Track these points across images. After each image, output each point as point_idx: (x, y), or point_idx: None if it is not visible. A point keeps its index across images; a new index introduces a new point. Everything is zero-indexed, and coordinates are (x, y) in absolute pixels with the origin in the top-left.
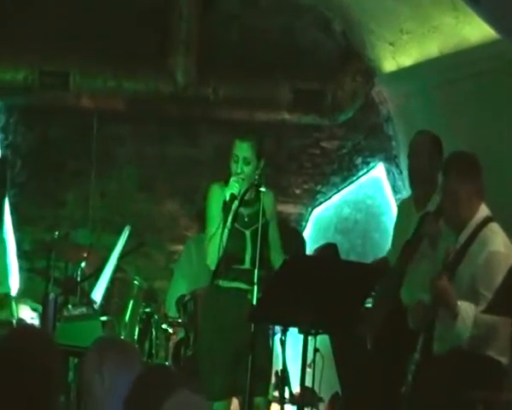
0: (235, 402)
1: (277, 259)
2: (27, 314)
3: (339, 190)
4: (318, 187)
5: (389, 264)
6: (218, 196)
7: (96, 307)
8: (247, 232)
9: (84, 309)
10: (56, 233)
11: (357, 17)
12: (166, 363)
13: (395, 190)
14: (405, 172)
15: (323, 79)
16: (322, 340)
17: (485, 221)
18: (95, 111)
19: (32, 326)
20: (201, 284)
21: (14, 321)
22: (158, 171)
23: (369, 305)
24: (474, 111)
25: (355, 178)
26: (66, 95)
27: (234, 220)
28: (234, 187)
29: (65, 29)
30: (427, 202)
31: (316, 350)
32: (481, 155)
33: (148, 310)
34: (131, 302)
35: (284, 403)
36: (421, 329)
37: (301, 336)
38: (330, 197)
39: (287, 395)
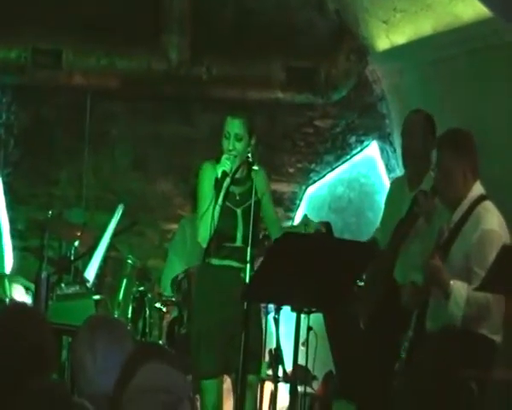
0: (228, 381)
1: (277, 233)
2: (20, 293)
3: (332, 169)
4: (312, 166)
5: (377, 244)
6: (210, 174)
7: (88, 285)
8: (239, 210)
9: (77, 288)
10: (50, 212)
11: None
12: (160, 342)
13: (389, 169)
14: (399, 151)
15: (317, 57)
16: (316, 318)
17: (480, 199)
18: (88, 89)
19: (23, 304)
20: (196, 263)
21: (7, 300)
22: (152, 149)
23: (362, 283)
24: (467, 88)
25: (349, 156)
26: (59, 73)
27: (225, 198)
28: (225, 164)
29: (58, 7)
30: (420, 181)
31: (309, 329)
32: (475, 133)
33: (141, 289)
34: (125, 281)
35: (278, 381)
36: (414, 309)
37: (294, 315)
38: (324, 176)
39: (280, 373)
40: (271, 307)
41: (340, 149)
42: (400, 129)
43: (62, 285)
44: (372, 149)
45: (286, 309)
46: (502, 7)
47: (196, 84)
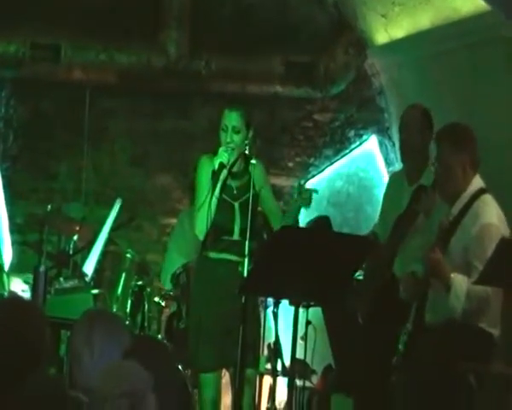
0: (226, 376)
1: (280, 225)
2: (19, 287)
3: (331, 163)
4: (311, 160)
5: (377, 239)
6: (208, 168)
7: (87, 279)
8: (236, 204)
9: (75, 282)
10: (49, 206)
11: None
12: (159, 336)
13: (388, 163)
14: (397, 145)
15: (316, 51)
16: (315, 312)
17: (479, 193)
18: (87, 84)
19: (20, 298)
20: (195, 257)
21: (6, 294)
22: (151, 144)
23: (361, 278)
24: (465, 82)
25: (347, 150)
26: (57, 68)
27: (222, 189)
28: (223, 156)
29: (56, 2)
30: (419, 176)
31: (308, 323)
32: (474, 126)
33: (140, 283)
34: (123, 275)
35: (277, 375)
36: (413, 300)
37: (293, 309)
38: (323, 170)
39: (279, 367)
40: (270, 301)
41: (338, 143)
42: (399, 123)
43: (61, 279)
44: (371, 143)
45: (285, 303)
46: (502, 2)
47: (195, 78)
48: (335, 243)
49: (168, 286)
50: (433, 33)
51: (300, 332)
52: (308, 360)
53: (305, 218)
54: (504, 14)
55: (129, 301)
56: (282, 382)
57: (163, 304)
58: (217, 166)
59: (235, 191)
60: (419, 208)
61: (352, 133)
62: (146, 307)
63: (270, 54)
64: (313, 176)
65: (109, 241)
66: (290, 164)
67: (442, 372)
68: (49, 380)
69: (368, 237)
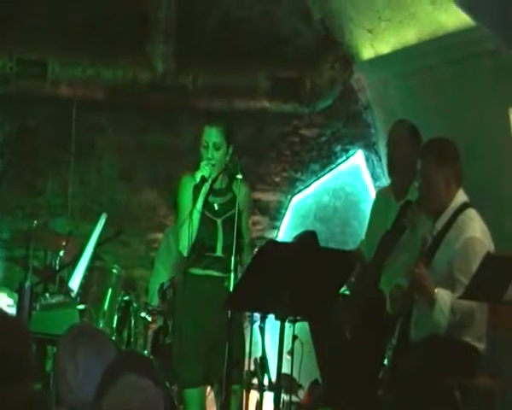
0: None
1: (247, 251)
2: (4, 303)
3: (318, 178)
4: (297, 175)
5: (362, 256)
6: (189, 187)
7: (73, 295)
8: (219, 221)
9: (61, 298)
10: (35, 222)
11: (336, 5)
12: (145, 352)
13: (374, 178)
14: (384, 160)
15: (302, 66)
16: (302, 327)
17: (463, 207)
18: (73, 100)
19: (3, 313)
20: (180, 273)
21: None
22: (137, 159)
23: (347, 292)
24: (451, 97)
25: (334, 165)
26: (44, 84)
27: (204, 204)
28: (204, 170)
29: (42, 17)
30: (406, 192)
31: (294, 337)
32: (459, 141)
33: (126, 298)
34: (110, 291)
35: (263, 390)
36: (400, 313)
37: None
38: (309, 185)
39: (266, 382)
40: (257, 315)
41: (325, 158)
42: (385, 138)
43: (47, 295)
44: (357, 157)
45: (271, 318)
46: (484, 17)
47: (182, 94)
48: (322, 257)
49: (155, 301)
50: (419, 48)
51: (287, 347)
52: (295, 374)
53: (291, 233)
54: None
55: (115, 317)
56: (269, 397)
57: (149, 319)
58: (198, 180)
59: (217, 208)
60: (405, 224)
61: (338, 148)
62: (132, 322)
63: (256, 69)
64: (300, 191)
65: (96, 256)
66: (277, 179)
67: (427, 387)
68: (34, 396)
69: (354, 251)
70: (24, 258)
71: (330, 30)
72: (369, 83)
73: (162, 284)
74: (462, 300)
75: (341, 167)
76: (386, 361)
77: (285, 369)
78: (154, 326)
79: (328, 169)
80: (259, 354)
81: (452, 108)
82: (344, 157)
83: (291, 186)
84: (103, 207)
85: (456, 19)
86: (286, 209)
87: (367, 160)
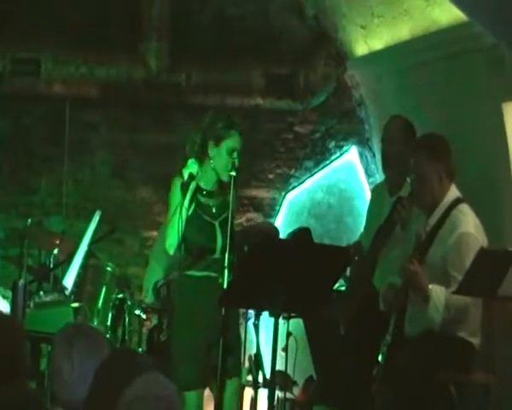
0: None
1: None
2: None
3: (312, 175)
4: (291, 171)
5: (362, 248)
6: (179, 187)
7: (67, 293)
8: (216, 223)
9: (55, 296)
10: (29, 220)
11: (329, 1)
12: (140, 349)
13: (368, 174)
14: (378, 156)
15: (296, 63)
16: (296, 324)
17: (456, 202)
18: (67, 98)
19: None
20: (175, 270)
21: None
22: (131, 157)
23: (342, 288)
24: (445, 92)
25: (328, 162)
26: (37, 82)
27: (201, 206)
28: (192, 166)
29: (36, 15)
30: (400, 187)
31: (289, 334)
32: (454, 137)
33: (120, 296)
34: (104, 289)
35: (258, 387)
36: (392, 311)
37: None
38: (303, 182)
39: (260, 379)
40: (251, 312)
41: (319, 155)
42: (379, 134)
43: (41, 293)
44: (351, 154)
45: (266, 315)
46: (477, 11)
47: (176, 91)
48: (316, 254)
49: (150, 299)
50: (413, 44)
51: (281, 344)
52: (289, 371)
53: (286, 229)
54: (495, 36)
55: (110, 315)
56: (264, 394)
57: (144, 317)
58: (186, 177)
59: (214, 210)
60: (396, 218)
61: (332, 144)
62: (127, 320)
63: (250, 66)
64: (294, 187)
65: (90, 254)
66: (271, 176)
67: (422, 383)
68: (28, 394)
69: (353, 246)
70: (18, 256)
71: (323, 26)
72: (362, 79)
73: (157, 282)
74: (456, 295)
75: (335, 164)
76: (380, 358)
77: (279, 366)
78: (148, 324)
79: (322, 166)
80: (254, 351)
81: (446, 103)
82: (338, 154)
83: (285, 183)
84: (97, 205)
85: (450, 14)
86: (280, 206)
87: (361, 156)
